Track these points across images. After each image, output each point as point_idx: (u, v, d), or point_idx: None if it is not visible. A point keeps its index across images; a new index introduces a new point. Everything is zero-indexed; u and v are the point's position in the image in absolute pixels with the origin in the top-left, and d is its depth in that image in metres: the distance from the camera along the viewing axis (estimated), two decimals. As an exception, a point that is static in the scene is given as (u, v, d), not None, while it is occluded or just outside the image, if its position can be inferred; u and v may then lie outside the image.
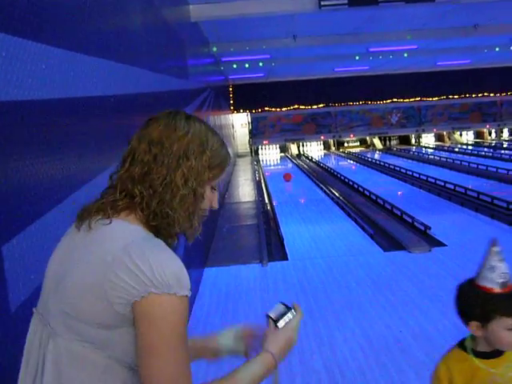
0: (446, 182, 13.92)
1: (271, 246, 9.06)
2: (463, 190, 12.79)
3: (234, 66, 17.71)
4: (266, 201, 13.73)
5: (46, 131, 2.15)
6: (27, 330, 1.49)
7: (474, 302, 2.12)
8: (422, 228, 9.28)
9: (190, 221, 1.52)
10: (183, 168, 1.48)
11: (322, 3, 8.66)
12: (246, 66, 17.70)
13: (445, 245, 8.38)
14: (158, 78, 4.88)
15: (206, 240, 8.51)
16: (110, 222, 1.44)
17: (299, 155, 27.86)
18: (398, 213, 10.78)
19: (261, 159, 27.08)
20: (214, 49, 13.77)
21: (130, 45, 3.78)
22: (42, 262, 1.55)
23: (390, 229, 9.52)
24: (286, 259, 8.16)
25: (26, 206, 1.96)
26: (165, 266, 1.35)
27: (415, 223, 9.70)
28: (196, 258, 7.13)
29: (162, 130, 1.51)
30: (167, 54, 5.83)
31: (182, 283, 1.37)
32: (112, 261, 1.34)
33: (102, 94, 3.02)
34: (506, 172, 15.25)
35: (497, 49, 17.53)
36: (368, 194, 13.51)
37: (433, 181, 14.71)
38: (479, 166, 17.19)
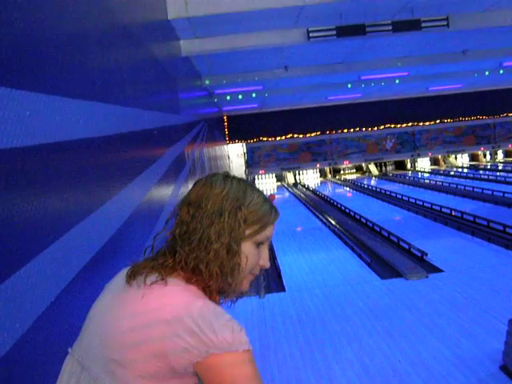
0: (441, 207, 13.93)
1: (268, 277, 9.02)
2: (459, 214, 12.80)
3: (228, 97, 17.85)
4: (263, 231, 13.70)
5: (29, 177, 2.16)
6: None
7: None
8: (419, 254, 9.26)
9: (226, 278, 1.52)
10: (216, 224, 1.49)
11: (311, 35, 8.77)
12: (240, 97, 17.84)
13: (442, 270, 8.36)
14: (147, 114, 4.91)
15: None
16: (166, 282, 1.46)
17: (296, 184, 27.92)
18: (395, 239, 10.77)
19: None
20: (207, 82, 13.90)
21: (117, 84, 3.81)
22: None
23: (386, 256, 9.49)
24: (284, 290, 8.12)
25: (12, 255, 1.96)
26: (223, 327, 1.36)
27: (412, 249, 9.68)
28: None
29: (200, 190, 1.55)
30: (157, 90, 5.87)
31: (239, 340, 1.38)
32: (173, 321, 1.36)
33: (89, 136, 3.03)
34: (501, 194, 15.27)
35: (487, 73, 17.71)
36: (364, 221, 13.50)
37: (429, 205, 14.73)
38: (475, 189, 17.23)
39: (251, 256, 1.56)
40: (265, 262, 1.62)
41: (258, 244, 1.58)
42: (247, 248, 1.55)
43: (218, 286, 1.53)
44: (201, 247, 1.49)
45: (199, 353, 1.34)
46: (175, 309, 1.39)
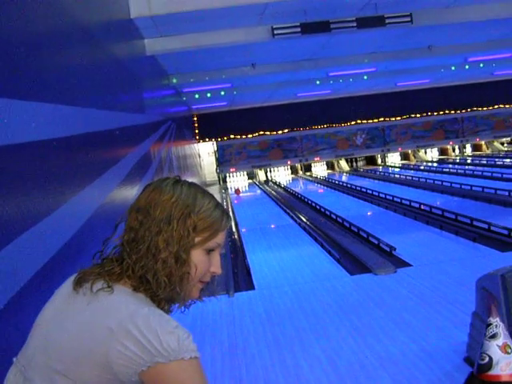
0: (411, 201, 14.05)
1: (238, 275, 9.00)
2: (428, 209, 12.92)
3: (196, 96, 17.79)
4: (234, 229, 13.69)
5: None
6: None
7: None
8: (388, 249, 9.32)
9: (175, 287, 1.49)
10: (164, 232, 1.46)
11: (276, 32, 8.76)
12: (208, 95, 17.77)
13: (410, 265, 8.42)
14: (108, 115, 4.86)
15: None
16: (112, 289, 1.44)
17: (267, 181, 27.94)
18: (364, 235, 10.82)
19: (229, 187, 27.08)
20: (174, 80, 13.82)
21: (73, 85, 3.75)
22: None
23: (356, 252, 9.54)
24: (253, 289, 8.11)
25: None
26: (168, 334, 1.34)
27: (381, 244, 9.74)
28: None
29: (149, 195, 1.52)
30: (119, 89, 5.81)
31: (186, 347, 1.36)
32: (117, 329, 1.33)
33: (44, 138, 2.98)
34: (469, 188, 15.45)
35: (453, 68, 17.91)
36: (335, 217, 13.56)
37: (398, 200, 14.84)
38: (443, 183, 17.42)
39: (201, 264, 1.54)
40: (216, 269, 1.60)
41: (209, 251, 1.56)
42: (197, 256, 1.52)
43: (166, 294, 1.51)
44: (149, 256, 1.46)
45: (144, 362, 1.32)
46: (119, 317, 1.36)
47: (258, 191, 24.23)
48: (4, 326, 2.16)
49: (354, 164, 30.33)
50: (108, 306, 1.41)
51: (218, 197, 22.80)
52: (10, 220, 2.34)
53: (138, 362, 1.32)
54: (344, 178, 25.36)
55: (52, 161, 3.01)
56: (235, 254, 10.82)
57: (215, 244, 1.57)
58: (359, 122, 28.59)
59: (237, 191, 23.79)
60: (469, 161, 26.58)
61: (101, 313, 1.40)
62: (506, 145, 30.36)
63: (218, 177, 28.48)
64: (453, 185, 16.69)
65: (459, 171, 21.51)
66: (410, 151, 30.19)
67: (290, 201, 18.88)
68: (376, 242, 10.03)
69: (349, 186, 20.78)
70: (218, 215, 1.57)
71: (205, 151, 28.49)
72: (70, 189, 3.26)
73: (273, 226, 14.47)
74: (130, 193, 5.37)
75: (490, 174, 18.51)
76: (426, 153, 30.60)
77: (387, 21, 8.81)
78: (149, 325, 1.34)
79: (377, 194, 16.98)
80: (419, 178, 20.39)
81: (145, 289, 1.48)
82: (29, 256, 2.44)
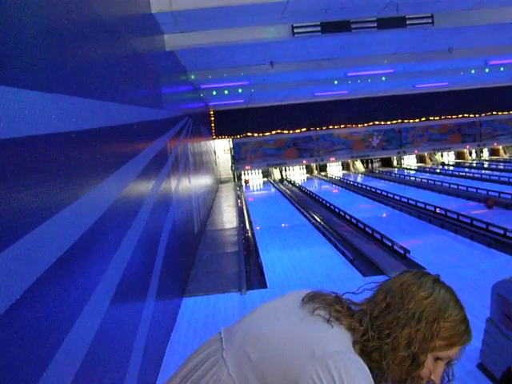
0: (426, 204, 13.97)
1: (251, 273, 8.99)
2: (443, 212, 12.84)
3: (214, 92, 17.77)
4: (248, 227, 13.68)
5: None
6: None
7: None
8: (402, 252, 9.27)
9: (400, 380, 1.50)
10: (411, 328, 1.47)
11: (296, 30, 8.73)
12: (226, 92, 17.76)
13: (424, 268, 8.36)
14: (127, 109, 4.86)
15: (185, 269, 8.45)
16: (331, 325, 1.48)
17: (282, 180, 27.91)
18: (378, 236, 10.78)
19: (243, 184, 27.10)
20: (192, 77, 13.82)
21: (93, 78, 3.75)
22: None
23: (369, 253, 9.50)
24: (266, 287, 8.10)
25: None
26: None
27: (395, 247, 9.69)
28: (174, 288, 7.06)
29: (406, 282, 1.55)
30: (138, 84, 5.81)
31: None
32: (320, 358, 1.36)
33: (63, 130, 2.98)
34: (485, 193, 15.34)
35: (472, 71, 17.76)
36: (349, 218, 13.51)
37: (413, 203, 14.76)
38: (459, 187, 17.30)
39: (427, 368, 1.53)
40: (436, 379, 1.57)
41: (436, 358, 1.54)
42: (429, 360, 1.52)
43: (387, 380, 1.51)
44: (388, 343, 1.47)
45: None
46: (327, 348, 1.39)
47: (273, 190, 24.20)
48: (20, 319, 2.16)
49: (370, 165, 30.22)
50: (321, 333, 1.45)
51: (232, 194, 22.81)
52: (27, 211, 2.34)
53: None
54: (359, 179, 25.27)
55: (70, 153, 3.02)
56: (248, 251, 10.82)
57: (446, 355, 1.54)
58: (376, 123, 28.46)
59: (246, 181, 27.40)
60: (486, 165, 26.37)
61: (312, 334, 1.44)
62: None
63: (233, 174, 28.48)
64: (469, 189, 16.57)
65: (475, 175, 21.35)
66: (425, 154, 30.01)
67: (304, 200, 18.85)
68: (390, 244, 9.98)
69: (364, 187, 20.71)
70: (462, 329, 1.54)
71: (221, 148, 28.51)
72: (88, 182, 3.26)
73: (287, 225, 14.45)
74: (146, 187, 5.38)
75: (506, 180, 18.36)
76: (442, 156, 30.40)
77: (408, 22, 8.74)
78: (349, 369, 1.34)
79: (392, 195, 16.91)
80: (435, 181, 20.26)
81: (371, 359, 1.48)
82: (45, 246, 2.44)
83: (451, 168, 26.51)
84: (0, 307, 1.94)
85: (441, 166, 27.92)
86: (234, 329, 1.62)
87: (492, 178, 19.65)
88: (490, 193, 15.11)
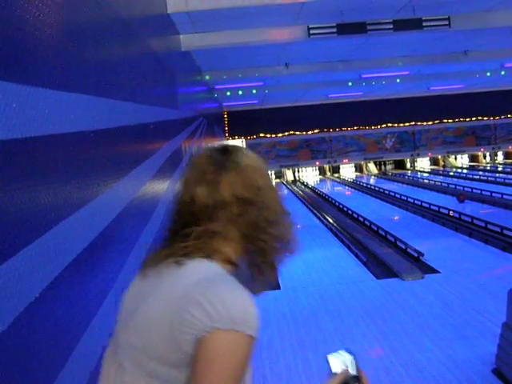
0: (440, 207, 13.90)
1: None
2: (457, 215, 12.77)
3: (228, 93, 17.80)
4: (260, 228, 13.66)
5: (18, 170, 2.12)
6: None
7: None
8: (415, 254, 9.23)
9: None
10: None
11: (311, 32, 8.72)
12: (240, 93, 17.79)
13: (438, 271, 8.33)
14: (143, 109, 4.88)
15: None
16: (185, 264, 1.39)
17: (294, 181, 27.88)
18: (392, 239, 10.73)
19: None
20: (207, 77, 13.86)
21: (111, 78, 3.77)
22: None
23: (383, 255, 9.46)
24: (279, 288, 8.08)
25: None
26: (235, 301, 1.28)
27: (408, 249, 9.65)
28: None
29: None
30: (154, 84, 5.83)
31: (250, 322, 1.28)
32: (184, 296, 1.30)
33: (82, 130, 2.99)
34: (500, 196, 15.24)
35: (488, 73, 17.66)
36: (362, 220, 13.48)
37: (427, 206, 14.69)
38: (473, 190, 17.20)
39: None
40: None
41: None
42: None
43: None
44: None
45: (203, 327, 1.25)
46: (188, 284, 1.32)
47: (286, 191, 24.19)
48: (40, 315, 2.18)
49: (383, 167, 30.10)
50: (178, 276, 1.38)
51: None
52: (45, 210, 2.35)
53: (198, 327, 1.26)
54: (372, 181, 25.19)
55: (89, 152, 3.03)
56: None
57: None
58: (390, 125, 28.37)
59: None
60: (500, 168, 26.20)
61: (171, 283, 1.37)
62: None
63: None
64: (483, 192, 16.47)
65: (490, 179, 21.22)
66: (439, 157, 29.87)
67: (317, 201, 18.81)
68: (403, 247, 9.94)
69: (377, 189, 20.63)
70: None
71: (234, 149, 28.50)
72: (106, 181, 3.28)
73: (299, 227, 14.40)
74: (161, 187, 5.39)
75: (521, 183, 18.25)
76: (456, 159, 30.24)
77: (424, 24, 8.71)
78: (214, 289, 1.29)
79: (405, 198, 16.84)
80: (448, 184, 20.16)
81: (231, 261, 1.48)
82: (63, 244, 2.45)
83: (465, 171, 26.35)
84: (18, 307, 1.95)
85: (454, 169, 27.76)
86: (116, 334, 1.51)
87: (506, 181, 19.51)
88: (504, 196, 15.00)
